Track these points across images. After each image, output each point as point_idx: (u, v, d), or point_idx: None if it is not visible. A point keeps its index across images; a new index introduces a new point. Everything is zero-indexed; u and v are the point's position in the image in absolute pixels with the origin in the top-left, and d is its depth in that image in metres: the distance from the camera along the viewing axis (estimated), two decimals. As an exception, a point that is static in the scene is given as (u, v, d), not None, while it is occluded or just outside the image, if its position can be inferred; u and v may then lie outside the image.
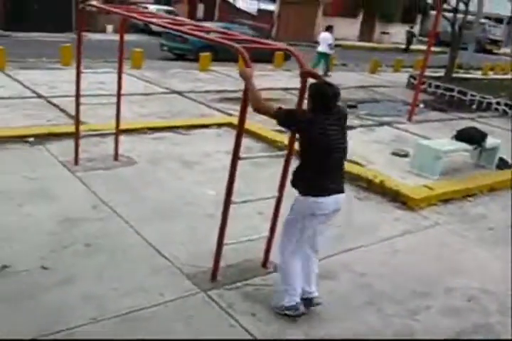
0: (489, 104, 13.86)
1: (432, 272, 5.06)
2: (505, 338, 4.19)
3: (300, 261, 4.07)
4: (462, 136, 8.05)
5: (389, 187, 6.82)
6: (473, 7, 17.65)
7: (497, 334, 4.23)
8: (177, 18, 8.48)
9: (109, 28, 24.23)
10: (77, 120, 6.63)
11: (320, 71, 14.91)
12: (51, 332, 3.61)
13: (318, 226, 3.99)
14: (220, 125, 9.18)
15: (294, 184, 3.96)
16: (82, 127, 6.89)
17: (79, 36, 6.23)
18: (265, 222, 4.77)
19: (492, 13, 37.49)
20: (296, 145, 4.02)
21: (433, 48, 12.66)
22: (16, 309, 3.83)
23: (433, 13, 26.93)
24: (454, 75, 16.84)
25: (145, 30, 24.15)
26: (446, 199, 6.88)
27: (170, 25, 5.00)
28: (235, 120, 4.85)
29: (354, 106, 12.01)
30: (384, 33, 34.34)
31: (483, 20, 32.23)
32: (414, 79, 15.13)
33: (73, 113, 6.75)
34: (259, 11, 31.13)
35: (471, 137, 8.00)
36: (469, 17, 17.51)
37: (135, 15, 5.66)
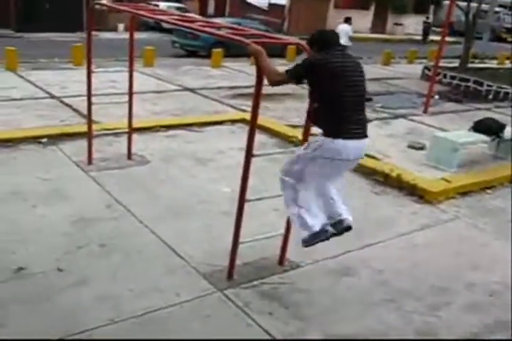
0: (506, 93, 13.63)
1: (451, 267, 4.96)
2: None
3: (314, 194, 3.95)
4: (479, 127, 7.90)
5: (406, 181, 6.71)
6: (487, -5, 17.41)
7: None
8: (187, 14, 8.44)
9: (120, 26, 24.24)
10: (89, 120, 6.61)
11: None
12: (69, 334, 3.59)
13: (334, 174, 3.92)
14: (233, 121, 9.11)
15: (317, 124, 3.86)
16: (94, 126, 6.87)
17: (89, 35, 6.20)
18: (281, 219, 4.71)
19: (507, 1, 36.93)
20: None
21: (447, 38, 12.48)
22: (33, 311, 3.81)
23: (446, 2, 26.62)
24: (469, 65, 16.61)
25: (156, 27, 24.11)
26: (464, 192, 6.77)
27: (180, 22, 4.94)
28: (248, 116, 4.78)
29: (369, 99, 11.86)
30: (397, 24, 34.00)
31: (497, 9, 31.76)
32: (429, 70, 14.95)
33: (86, 112, 6.73)
34: (270, 5, 30.95)
35: (489, 128, 7.85)
36: (483, 6, 17.25)
37: (145, 13, 5.61)
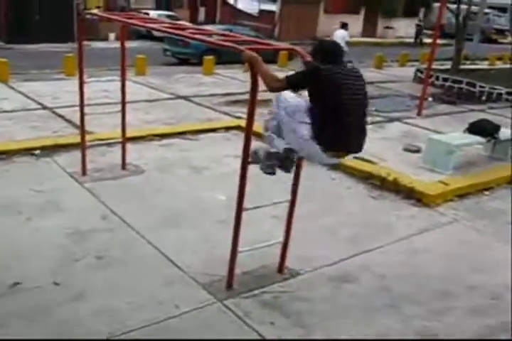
0: (499, 94, 13.65)
1: (452, 270, 4.92)
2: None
3: None
4: (474, 128, 7.89)
5: (403, 184, 6.67)
6: (476, -3, 17.48)
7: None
8: (178, 22, 8.39)
9: (112, 35, 24.19)
10: (82, 130, 6.55)
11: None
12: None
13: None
14: (228, 128, 9.07)
15: (316, 137, 3.76)
16: (88, 137, 6.80)
17: (80, 45, 6.15)
18: (279, 226, 4.66)
19: (495, 3, 37.12)
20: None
21: (438, 41, 12.48)
22: (29, 326, 3.74)
23: (436, 5, 26.73)
24: (461, 67, 16.63)
25: (147, 36, 24.07)
26: (462, 195, 6.73)
27: (171, 30, 4.91)
28: (243, 123, 4.75)
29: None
30: (387, 27, 34.09)
31: (487, 10, 31.91)
32: (421, 72, 14.95)
33: (79, 123, 6.67)
34: (261, 11, 30.96)
35: (484, 129, 7.84)
36: (473, 7, 17.31)
37: (135, 21, 5.58)
